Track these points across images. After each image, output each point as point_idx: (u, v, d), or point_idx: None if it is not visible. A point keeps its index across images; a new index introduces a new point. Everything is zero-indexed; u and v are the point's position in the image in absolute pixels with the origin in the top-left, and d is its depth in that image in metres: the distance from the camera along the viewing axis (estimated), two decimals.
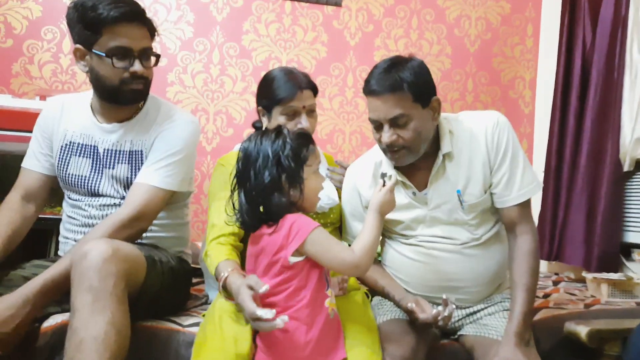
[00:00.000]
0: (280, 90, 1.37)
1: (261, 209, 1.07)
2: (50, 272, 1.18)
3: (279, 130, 1.11)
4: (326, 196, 1.36)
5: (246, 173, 1.08)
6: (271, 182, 1.05)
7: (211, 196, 1.42)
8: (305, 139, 1.12)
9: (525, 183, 1.30)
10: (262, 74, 2.54)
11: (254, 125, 1.51)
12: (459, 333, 1.38)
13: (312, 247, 1.03)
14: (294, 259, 1.04)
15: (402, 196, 1.33)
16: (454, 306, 1.19)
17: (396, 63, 1.23)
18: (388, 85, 1.20)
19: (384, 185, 1.15)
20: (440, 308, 1.19)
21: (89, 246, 1.10)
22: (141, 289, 1.22)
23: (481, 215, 1.33)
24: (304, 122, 1.38)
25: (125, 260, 1.13)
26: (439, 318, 1.18)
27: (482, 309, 1.38)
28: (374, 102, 1.23)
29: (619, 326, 1.41)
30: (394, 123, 1.22)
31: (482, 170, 1.30)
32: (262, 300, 1.06)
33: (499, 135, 1.30)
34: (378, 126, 1.26)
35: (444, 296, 1.19)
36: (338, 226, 1.50)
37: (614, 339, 1.38)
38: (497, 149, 1.29)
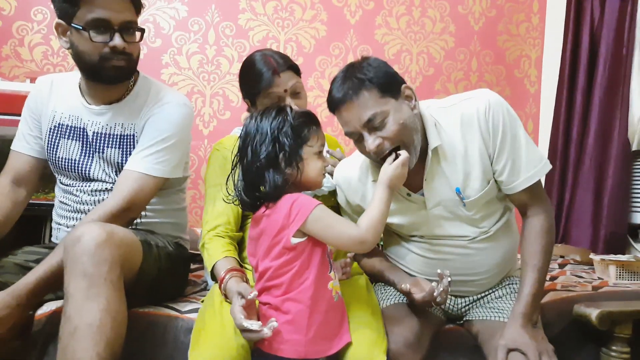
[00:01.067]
0: (257, 78, 1.32)
1: (261, 188, 1.05)
2: (42, 269, 1.14)
3: (281, 107, 1.09)
4: (326, 178, 1.31)
5: (244, 150, 1.06)
6: (267, 159, 1.03)
7: (207, 183, 1.39)
8: (308, 118, 1.09)
9: (532, 164, 1.20)
10: None
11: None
12: (465, 318, 1.34)
13: (314, 226, 1.01)
14: (296, 240, 1.02)
15: (398, 201, 1.25)
16: (449, 279, 1.11)
17: (350, 68, 1.17)
18: (350, 91, 1.12)
19: (395, 159, 1.10)
20: (434, 284, 1.12)
21: (82, 230, 1.06)
22: (138, 274, 1.19)
23: (486, 208, 1.24)
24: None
25: (120, 245, 1.09)
26: (435, 294, 1.11)
27: (490, 293, 1.34)
28: (344, 114, 1.14)
29: (630, 308, 1.38)
30: (371, 126, 1.12)
31: (481, 161, 1.19)
32: (265, 284, 1.05)
33: (493, 117, 1.17)
34: (358, 138, 1.16)
35: (439, 270, 1.12)
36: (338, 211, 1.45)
37: (625, 321, 1.35)
38: (494, 133, 1.18)
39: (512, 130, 1.18)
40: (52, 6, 1.26)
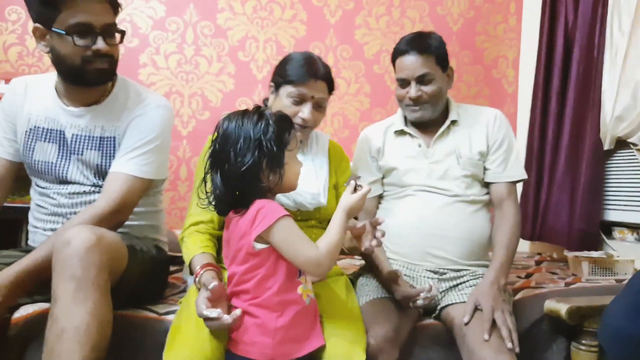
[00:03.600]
0: (294, 71, 1.32)
1: (236, 192, 1.04)
2: (24, 263, 1.14)
3: (260, 111, 1.07)
4: (310, 195, 1.33)
5: (224, 154, 1.03)
6: (252, 166, 1.01)
7: (197, 173, 1.36)
8: (287, 123, 1.08)
9: (515, 169, 1.52)
10: (239, 54, 2.46)
11: (264, 103, 1.44)
12: (439, 307, 1.40)
13: (275, 236, 0.99)
14: (259, 246, 1.01)
15: (408, 147, 1.54)
16: (437, 293, 1.27)
17: (423, 33, 1.50)
18: (419, 47, 1.44)
19: (355, 188, 1.09)
20: (426, 286, 1.27)
21: (72, 233, 1.06)
22: (121, 278, 1.19)
23: (472, 179, 1.50)
24: (305, 112, 1.31)
25: (109, 250, 1.10)
26: (422, 295, 1.25)
27: (464, 282, 1.43)
28: (405, 61, 1.45)
29: (599, 303, 1.41)
30: (420, 80, 1.45)
31: (481, 142, 1.51)
32: (234, 289, 1.05)
33: (500, 124, 1.53)
34: (405, 84, 1.48)
35: (431, 282, 1.28)
36: (324, 226, 1.44)
37: (593, 316, 1.38)
38: (497, 134, 1.51)
39: (509, 141, 1.53)
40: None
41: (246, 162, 1.01)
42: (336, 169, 1.48)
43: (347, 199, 1.07)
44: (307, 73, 1.31)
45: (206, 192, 1.07)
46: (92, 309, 1.02)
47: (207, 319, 1.00)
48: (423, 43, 1.45)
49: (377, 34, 2.67)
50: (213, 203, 1.07)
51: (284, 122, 1.07)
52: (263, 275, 1.01)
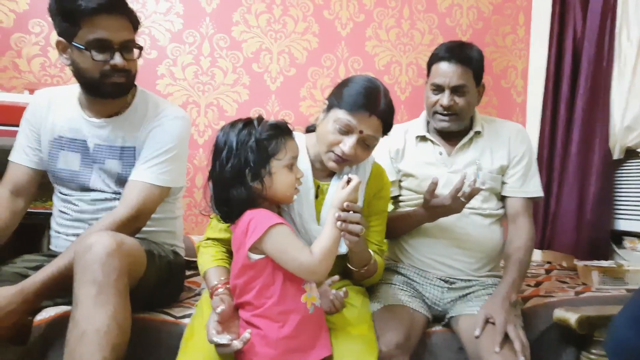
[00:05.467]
0: (349, 97, 1.17)
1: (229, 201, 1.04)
2: (49, 270, 1.17)
3: (249, 120, 1.07)
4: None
5: (213, 164, 1.05)
6: (233, 174, 1.01)
7: None
8: (277, 130, 1.05)
9: (533, 185, 1.51)
10: (253, 65, 2.51)
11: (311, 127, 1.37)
12: (449, 315, 1.41)
13: (269, 245, 0.98)
14: (255, 256, 1.00)
15: (429, 154, 1.54)
16: (479, 185, 1.31)
17: (465, 44, 1.48)
18: (460, 57, 1.43)
19: (347, 183, 1.04)
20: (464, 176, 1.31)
21: (93, 238, 1.10)
22: (139, 282, 1.23)
23: (489, 193, 1.49)
24: (347, 145, 1.16)
25: (129, 255, 1.13)
26: (467, 182, 1.29)
27: (473, 292, 1.43)
28: (445, 68, 1.44)
29: (609, 312, 1.41)
30: (455, 90, 1.44)
31: (502, 156, 1.50)
32: (237, 301, 1.05)
33: (522, 139, 1.53)
34: (438, 90, 1.46)
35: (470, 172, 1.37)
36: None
37: (603, 326, 1.38)
38: (518, 149, 1.51)
39: (530, 157, 1.53)
40: (49, 19, 1.30)
41: (227, 171, 1.01)
42: (373, 197, 1.34)
43: (339, 194, 1.03)
44: (363, 104, 1.15)
45: (210, 202, 1.08)
46: (112, 312, 1.04)
47: (217, 345, 0.99)
48: (465, 54, 1.44)
49: (387, 46, 2.71)
50: (216, 212, 1.07)
51: (273, 130, 1.05)
52: (262, 286, 1.01)
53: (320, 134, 1.22)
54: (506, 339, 1.22)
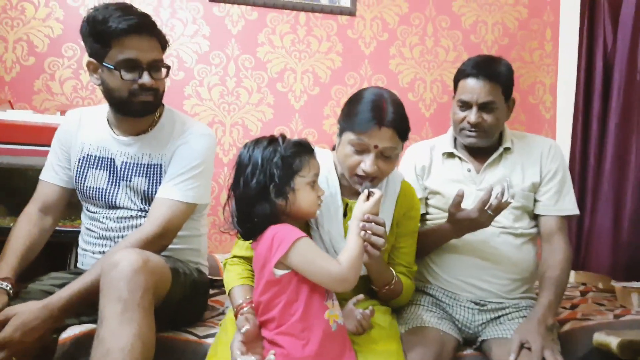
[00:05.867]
0: (355, 117, 1.16)
1: (255, 219, 1.05)
2: (75, 286, 1.19)
3: (273, 137, 1.09)
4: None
5: (237, 181, 1.07)
6: (257, 190, 1.02)
7: None
8: (300, 148, 1.08)
9: (567, 202, 1.46)
10: (278, 85, 2.53)
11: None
12: (480, 338, 1.35)
13: (295, 259, 0.99)
14: (279, 272, 1.01)
15: (456, 171, 1.49)
16: (508, 199, 1.26)
17: (493, 59, 1.44)
18: (488, 73, 1.38)
19: (368, 196, 1.07)
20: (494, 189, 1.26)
21: (119, 256, 1.11)
22: (164, 300, 1.23)
23: (521, 212, 1.44)
24: (367, 163, 1.15)
25: (154, 272, 1.14)
26: (494, 193, 1.25)
27: (506, 314, 1.38)
28: (472, 84, 1.40)
29: None
30: (483, 106, 1.40)
31: (534, 173, 1.45)
32: (260, 319, 1.05)
33: (554, 155, 1.48)
34: (465, 107, 1.42)
35: (502, 185, 1.28)
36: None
37: None
38: (551, 165, 1.46)
39: (564, 173, 1.47)
40: (82, 43, 1.35)
41: (252, 187, 1.02)
42: (403, 217, 1.32)
43: (361, 207, 1.05)
44: (370, 119, 1.14)
45: (231, 219, 1.08)
46: (137, 330, 1.04)
47: None
48: (493, 69, 1.39)
49: (411, 63, 2.70)
50: (236, 230, 1.08)
51: (297, 147, 1.07)
52: (286, 302, 1.00)
53: (340, 159, 1.22)
54: None
